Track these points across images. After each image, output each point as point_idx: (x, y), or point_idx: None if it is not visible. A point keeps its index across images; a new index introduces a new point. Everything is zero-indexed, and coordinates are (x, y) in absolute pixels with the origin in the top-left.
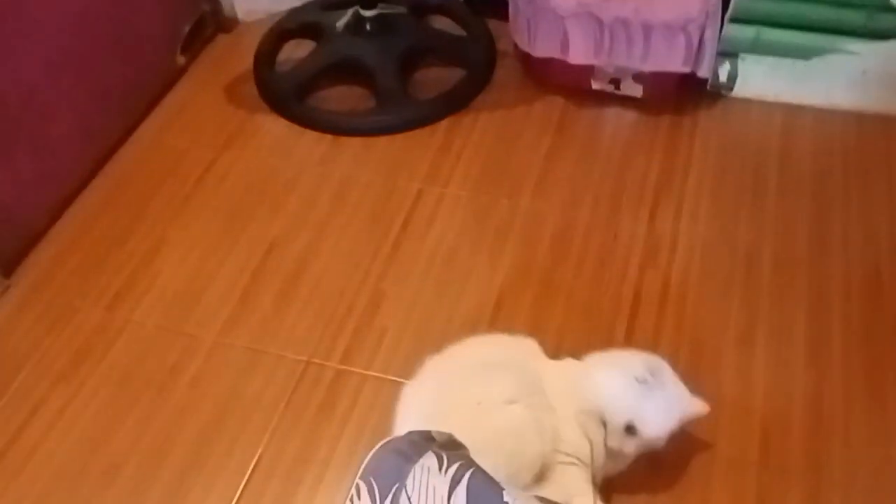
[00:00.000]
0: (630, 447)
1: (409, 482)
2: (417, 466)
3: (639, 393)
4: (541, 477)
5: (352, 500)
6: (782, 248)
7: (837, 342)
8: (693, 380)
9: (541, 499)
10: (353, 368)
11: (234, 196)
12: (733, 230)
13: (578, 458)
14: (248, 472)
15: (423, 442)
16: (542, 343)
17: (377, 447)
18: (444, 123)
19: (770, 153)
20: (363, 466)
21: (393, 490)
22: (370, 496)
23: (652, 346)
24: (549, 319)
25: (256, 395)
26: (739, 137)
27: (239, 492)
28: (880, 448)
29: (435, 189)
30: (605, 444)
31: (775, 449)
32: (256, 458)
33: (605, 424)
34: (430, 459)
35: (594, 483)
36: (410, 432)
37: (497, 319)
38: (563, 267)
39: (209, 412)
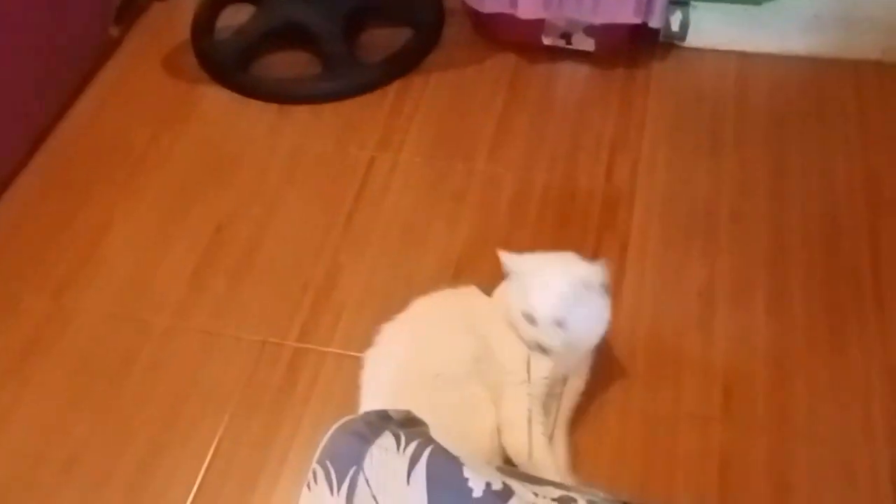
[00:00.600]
0: (546, 336)
1: (366, 464)
2: (375, 447)
3: (514, 285)
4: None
5: (309, 486)
6: (740, 199)
7: (798, 292)
8: (655, 338)
9: (501, 469)
10: (311, 346)
11: (179, 173)
12: (691, 183)
13: (515, 372)
14: (209, 457)
15: (380, 421)
16: None
17: (333, 429)
18: (393, 87)
19: (725, 103)
20: (319, 450)
21: (350, 473)
22: (327, 481)
23: (613, 306)
24: None
25: (214, 378)
26: (694, 88)
27: (200, 477)
28: (842, 397)
29: (388, 156)
30: (538, 345)
31: (738, 403)
32: (216, 442)
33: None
34: (387, 439)
35: (538, 398)
36: (367, 412)
37: (457, 287)
38: (521, 230)
39: (166, 399)
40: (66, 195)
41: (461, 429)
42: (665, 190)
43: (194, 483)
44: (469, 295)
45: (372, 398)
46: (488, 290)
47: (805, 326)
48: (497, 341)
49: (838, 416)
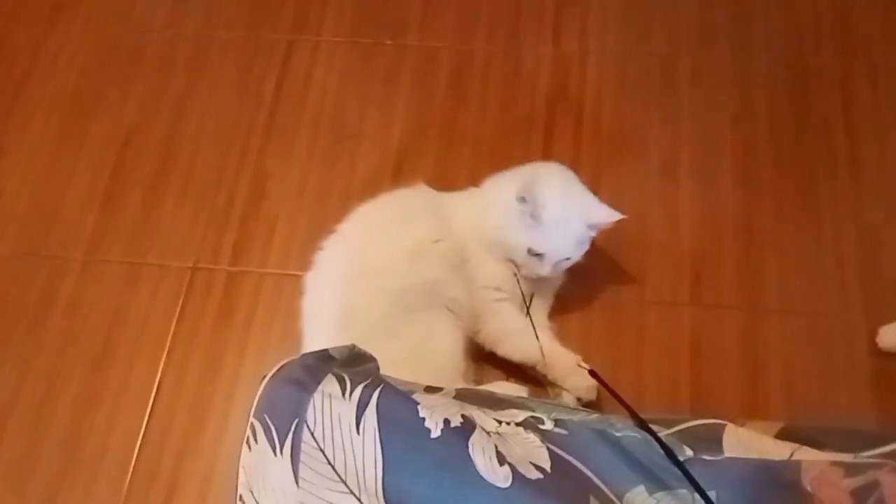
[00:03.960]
0: (546, 269)
1: (309, 415)
2: (317, 395)
3: (526, 220)
4: (476, 322)
5: (248, 445)
6: (701, 57)
7: (766, 154)
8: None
9: (461, 393)
10: (246, 268)
11: (72, 81)
12: (647, 42)
13: (502, 289)
14: (151, 399)
15: (320, 364)
16: None
17: (267, 378)
18: None
19: None
20: (255, 402)
21: (293, 427)
22: (267, 437)
23: None
24: (456, 174)
25: (144, 313)
26: None
27: (145, 422)
28: (816, 266)
29: (307, 38)
30: (520, 273)
31: (707, 286)
32: (157, 382)
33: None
34: (330, 385)
35: (527, 307)
36: (304, 355)
37: (400, 183)
38: (464, 111)
39: (95, 340)
40: None
41: (420, 351)
42: (619, 48)
43: (139, 429)
44: (422, 195)
45: (316, 332)
46: (437, 188)
47: (774, 193)
48: (477, 258)
49: (812, 286)
